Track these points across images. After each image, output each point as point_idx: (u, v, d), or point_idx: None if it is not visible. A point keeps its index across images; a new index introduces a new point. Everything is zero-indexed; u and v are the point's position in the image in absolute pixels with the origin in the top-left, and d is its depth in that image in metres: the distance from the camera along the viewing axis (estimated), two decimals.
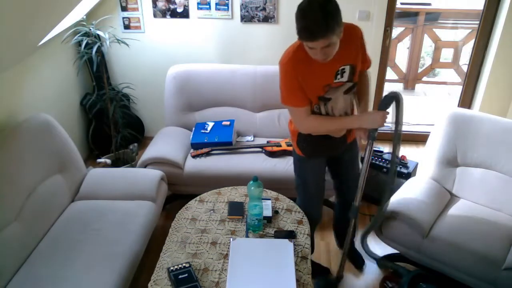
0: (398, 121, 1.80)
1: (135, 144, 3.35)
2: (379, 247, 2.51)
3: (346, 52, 1.74)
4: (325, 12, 1.52)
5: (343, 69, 1.78)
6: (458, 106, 3.65)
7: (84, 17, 2.93)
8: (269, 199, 2.16)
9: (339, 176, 2.25)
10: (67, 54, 3.21)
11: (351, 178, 2.15)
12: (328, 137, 1.97)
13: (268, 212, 2.05)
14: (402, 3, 5.03)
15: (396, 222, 2.23)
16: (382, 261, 2.40)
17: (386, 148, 3.02)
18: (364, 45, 1.86)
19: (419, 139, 3.64)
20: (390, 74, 4.84)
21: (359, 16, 3.22)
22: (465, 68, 3.74)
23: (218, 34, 3.39)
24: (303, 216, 2.09)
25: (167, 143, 2.87)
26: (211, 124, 3.04)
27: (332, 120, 1.90)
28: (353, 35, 1.78)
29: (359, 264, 2.47)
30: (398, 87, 5.09)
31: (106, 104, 3.13)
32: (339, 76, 1.79)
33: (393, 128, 1.83)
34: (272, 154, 2.81)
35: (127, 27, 3.39)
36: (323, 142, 1.99)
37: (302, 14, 1.56)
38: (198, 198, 2.22)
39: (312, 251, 2.54)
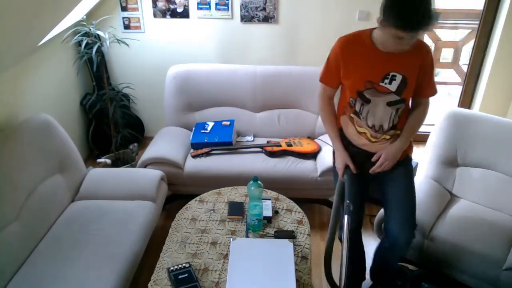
0: None
1: (135, 144, 3.35)
2: None
3: (405, 60, 1.67)
4: (429, 6, 1.47)
5: (394, 76, 1.68)
6: (458, 106, 3.65)
7: (84, 17, 2.93)
8: (269, 199, 2.16)
9: (383, 201, 1.91)
10: (67, 54, 3.21)
11: (393, 200, 1.82)
12: (352, 143, 1.88)
13: (268, 212, 2.05)
14: None
15: None
16: None
17: None
18: (431, 69, 1.74)
19: (419, 139, 3.64)
20: None
21: (359, 16, 3.22)
22: (465, 68, 3.73)
23: (218, 34, 3.39)
24: (303, 216, 2.09)
25: (167, 143, 2.87)
26: (211, 124, 3.04)
27: (329, 123, 1.90)
28: (420, 50, 1.70)
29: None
30: None
31: (106, 104, 3.13)
32: (386, 81, 1.69)
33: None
34: (272, 154, 2.81)
35: (127, 27, 3.39)
36: (349, 147, 1.88)
37: (405, 2, 1.48)
38: (198, 198, 2.22)
39: (363, 277, 2.23)
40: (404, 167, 1.88)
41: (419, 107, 1.83)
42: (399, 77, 1.68)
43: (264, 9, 3.25)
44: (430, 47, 1.71)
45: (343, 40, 1.74)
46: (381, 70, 1.69)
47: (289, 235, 1.93)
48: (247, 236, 1.95)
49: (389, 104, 1.73)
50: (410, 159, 1.94)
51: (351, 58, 1.72)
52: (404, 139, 1.80)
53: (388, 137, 1.81)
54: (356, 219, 1.99)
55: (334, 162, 1.98)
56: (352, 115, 1.82)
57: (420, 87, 1.76)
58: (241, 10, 3.27)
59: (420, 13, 1.46)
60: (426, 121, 1.91)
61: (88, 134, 3.47)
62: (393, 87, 1.70)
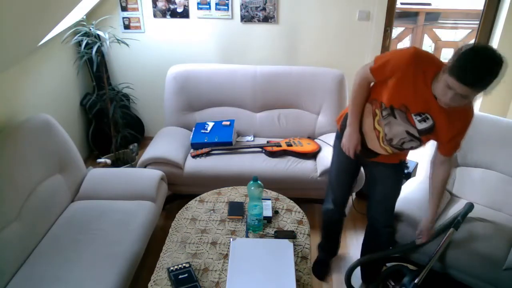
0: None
1: (135, 144, 3.35)
2: None
3: (446, 115, 1.66)
4: (493, 71, 1.44)
5: (427, 118, 1.69)
6: None
7: (84, 17, 2.93)
8: (269, 199, 2.16)
9: (369, 191, 2.15)
10: (67, 54, 3.21)
11: (378, 195, 2.08)
12: (362, 133, 1.93)
13: (268, 212, 2.05)
14: (402, 3, 5.03)
15: (397, 222, 2.23)
16: None
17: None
18: (465, 131, 1.74)
19: None
20: None
21: (359, 16, 3.22)
22: None
23: (218, 34, 3.39)
24: (303, 216, 2.09)
25: (167, 143, 2.87)
26: (211, 124, 3.04)
27: (358, 103, 1.85)
28: (463, 117, 1.70)
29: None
30: None
31: (106, 104, 3.13)
32: (419, 118, 1.70)
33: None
34: (272, 154, 2.81)
35: (127, 27, 3.39)
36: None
37: (473, 58, 1.45)
38: (198, 198, 2.22)
39: (334, 253, 2.52)
40: (388, 170, 2.00)
41: (443, 169, 1.85)
42: (429, 122, 1.70)
43: (264, 9, 3.25)
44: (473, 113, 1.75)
45: (416, 55, 1.62)
46: (421, 106, 1.68)
47: (289, 235, 1.94)
48: (247, 236, 1.95)
49: (407, 133, 1.77)
50: (403, 162, 2.01)
51: (407, 77, 1.65)
52: (433, 208, 1.95)
53: (391, 151, 1.87)
54: (339, 190, 2.23)
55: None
56: (377, 110, 1.82)
57: (446, 144, 1.77)
58: (241, 10, 3.27)
59: (483, 75, 1.43)
60: None
61: (88, 134, 3.47)
62: (419, 126, 1.72)
